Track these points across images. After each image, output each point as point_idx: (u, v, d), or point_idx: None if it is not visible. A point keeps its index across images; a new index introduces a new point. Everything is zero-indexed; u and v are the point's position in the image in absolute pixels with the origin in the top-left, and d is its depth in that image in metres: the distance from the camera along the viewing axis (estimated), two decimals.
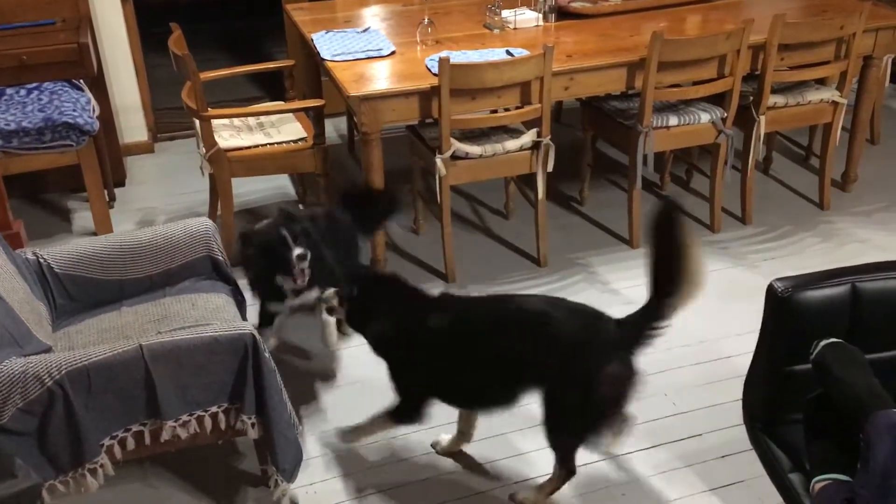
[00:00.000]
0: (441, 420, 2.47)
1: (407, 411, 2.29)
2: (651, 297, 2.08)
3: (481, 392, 2.22)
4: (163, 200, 4.02)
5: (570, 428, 2.18)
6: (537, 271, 3.41)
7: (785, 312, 1.89)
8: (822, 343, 1.82)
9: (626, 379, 2.09)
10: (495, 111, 3.38)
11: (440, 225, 3.30)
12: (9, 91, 3.58)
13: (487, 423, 2.40)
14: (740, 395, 2.17)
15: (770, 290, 1.93)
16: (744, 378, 2.15)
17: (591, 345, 2.08)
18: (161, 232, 2.61)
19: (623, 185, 3.98)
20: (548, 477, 2.32)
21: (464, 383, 2.21)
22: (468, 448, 2.55)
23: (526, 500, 2.34)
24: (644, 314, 2.10)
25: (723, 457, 2.53)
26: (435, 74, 3.01)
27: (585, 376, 2.07)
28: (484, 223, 3.79)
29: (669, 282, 2.02)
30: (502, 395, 2.19)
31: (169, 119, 4.71)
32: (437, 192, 3.21)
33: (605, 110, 3.59)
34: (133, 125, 4.41)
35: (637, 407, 2.67)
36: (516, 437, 2.57)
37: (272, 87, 4.99)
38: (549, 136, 3.22)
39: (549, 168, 3.28)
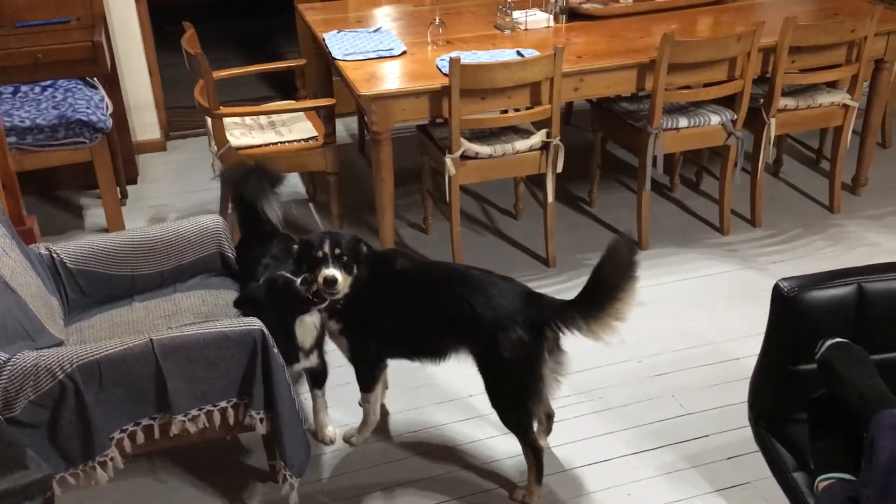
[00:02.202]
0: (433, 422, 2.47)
1: (369, 378, 2.49)
2: (571, 302, 2.21)
3: (422, 343, 2.41)
4: (174, 198, 4.04)
5: (497, 395, 2.31)
6: (546, 271, 3.42)
7: (790, 312, 1.90)
8: (828, 343, 1.83)
9: (524, 344, 2.20)
10: (505, 111, 3.39)
11: (449, 224, 3.32)
12: (23, 88, 3.62)
13: (496, 422, 2.42)
14: (746, 397, 2.16)
15: (776, 290, 1.94)
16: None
17: (493, 309, 2.24)
18: (172, 228, 2.63)
19: (632, 186, 3.99)
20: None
21: (408, 336, 2.40)
22: (475, 448, 2.58)
23: (525, 497, 2.38)
24: (556, 307, 2.24)
25: (729, 458, 2.53)
26: (445, 74, 3.03)
27: (488, 336, 2.23)
28: (493, 223, 3.80)
29: (592, 304, 2.15)
30: (436, 348, 2.38)
31: (181, 118, 4.75)
32: (446, 192, 3.23)
33: (615, 112, 3.59)
34: (146, 123, 4.45)
35: (644, 408, 2.72)
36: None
37: (283, 87, 5.02)
38: (559, 137, 3.23)
39: (559, 169, 3.29)
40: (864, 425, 1.64)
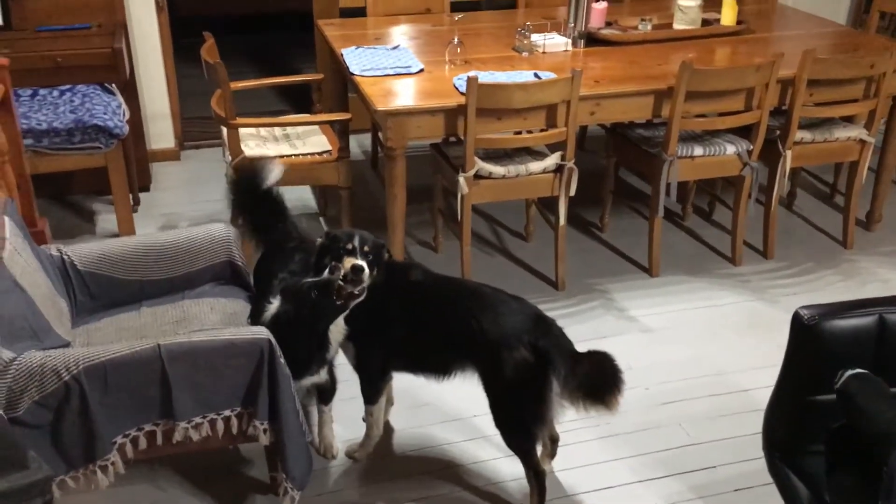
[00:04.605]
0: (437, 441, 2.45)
1: (373, 389, 2.49)
2: (579, 357, 2.23)
3: (428, 356, 2.41)
4: (186, 207, 4.05)
5: (500, 415, 2.30)
6: (555, 295, 3.41)
7: (810, 340, 1.88)
8: (847, 373, 1.81)
9: (528, 366, 2.20)
10: (520, 132, 3.40)
11: (459, 243, 3.31)
12: (42, 91, 3.64)
13: (499, 443, 2.39)
14: (756, 429, 2.15)
15: (796, 318, 1.92)
16: (761, 412, 2.13)
17: (500, 326, 2.24)
18: (184, 235, 2.63)
19: (644, 213, 3.98)
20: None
21: (415, 348, 2.40)
22: (478, 469, 2.55)
23: None
24: (565, 351, 2.23)
25: (737, 490, 2.50)
26: (462, 93, 3.03)
27: (492, 354, 2.23)
28: (503, 244, 3.80)
29: (594, 381, 2.17)
30: (442, 363, 2.37)
31: (196, 128, 4.76)
32: (458, 211, 3.22)
33: (629, 137, 3.59)
34: (161, 132, 4.46)
35: (651, 436, 2.69)
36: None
37: (299, 101, 5.04)
38: (573, 160, 3.24)
39: (572, 192, 3.29)
40: (883, 458, 1.60)
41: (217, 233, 2.66)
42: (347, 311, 2.27)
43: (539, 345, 2.22)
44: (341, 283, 2.21)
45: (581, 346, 2.29)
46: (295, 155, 3.44)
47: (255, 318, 2.41)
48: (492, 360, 2.25)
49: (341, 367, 2.53)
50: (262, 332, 2.15)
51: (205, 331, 2.23)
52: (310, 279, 2.26)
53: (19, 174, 2.94)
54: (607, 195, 3.84)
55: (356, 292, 2.23)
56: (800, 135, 3.53)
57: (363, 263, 2.26)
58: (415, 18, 4.08)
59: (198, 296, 2.57)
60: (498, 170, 3.19)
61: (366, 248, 2.31)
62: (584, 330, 3.13)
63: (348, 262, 2.26)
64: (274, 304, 2.31)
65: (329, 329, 2.30)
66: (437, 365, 2.40)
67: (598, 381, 2.16)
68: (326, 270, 2.24)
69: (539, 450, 2.38)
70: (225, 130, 3.38)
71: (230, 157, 3.34)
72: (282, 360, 2.16)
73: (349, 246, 2.30)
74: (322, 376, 2.43)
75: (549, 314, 2.34)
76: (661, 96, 3.26)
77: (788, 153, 3.51)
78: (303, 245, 2.64)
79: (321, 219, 3.95)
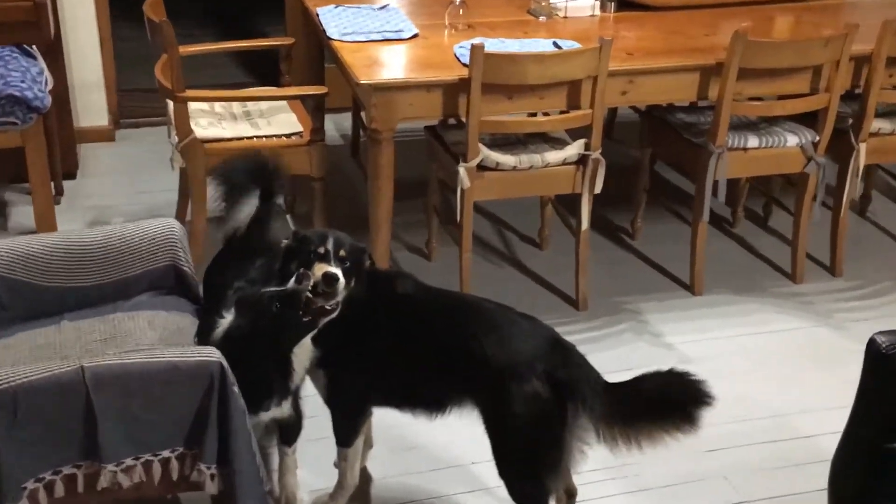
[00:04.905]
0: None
1: (349, 428, 2.48)
2: (610, 386, 2.26)
3: (417, 388, 2.42)
4: (121, 198, 4.04)
5: (506, 461, 2.31)
6: (574, 315, 3.41)
7: (888, 374, 1.87)
8: None
9: (541, 401, 2.21)
10: (535, 115, 3.40)
11: (458, 250, 3.31)
12: None
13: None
14: (821, 484, 2.14)
15: (871, 346, 1.92)
16: (827, 463, 2.12)
17: (507, 352, 2.26)
18: (117, 233, 2.61)
19: (686, 217, 3.98)
20: None
21: (401, 376, 2.41)
22: None
23: None
24: (590, 380, 2.25)
25: None
26: (465, 65, 3.03)
27: (497, 385, 2.24)
28: (511, 252, 3.79)
29: (631, 410, 2.22)
30: (435, 396, 2.39)
31: (135, 102, 4.76)
32: (457, 210, 3.22)
33: (669, 123, 3.60)
34: (92, 106, 4.46)
35: (690, 491, 2.67)
36: None
37: (264, 71, 5.03)
38: (600, 150, 3.23)
39: (597, 189, 3.29)
40: None
41: (158, 230, 2.63)
42: (316, 330, 2.25)
43: (556, 375, 2.21)
44: (310, 295, 2.20)
45: (605, 378, 2.28)
46: (257, 137, 3.43)
47: (203, 337, 2.39)
48: (497, 393, 2.24)
49: (309, 400, 2.52)
50: (211, 354, 2.13)
51: (140, 351, 2.21)
52: (271, 289, 2.24)
53: None
54: (640, 194, 3.84)
55: (328, 307, 2.22)
56: (876, 124, 3.54)
57: (338, 272, 2.25)
58: None
59: (133, 308, 2.55)
60: (507, 160, 3.18)
61: (342, 253, 2.30)
62: (610, 359, 3.10)
63: (319, 269, 2.25)
64: (227, 320, 2.30)
65: (293, 351, 2.29)
66: (429, 399, 2.40)
67: (666, 397, 2.19)
68: (292, 279, 2.22)
69: None
70: (171, 105, 3.37)
71: (176, 139, 3.33)
72: (235, 390, 2.15)
73: (321, 250, 2.29)
74: (284, 410, 2.40)
75: (568, 338, 2.33)
76: (708, 74, 3.26)
77: (862, 147, 3.51)
78: (265, 247, 2.63)
79: (288, 216, 3.93)
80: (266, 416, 2.37)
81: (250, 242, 2.65)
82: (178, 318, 2.53)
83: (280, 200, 2.82)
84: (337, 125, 4.71)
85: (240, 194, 2.71)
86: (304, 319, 2.20)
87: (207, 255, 2.83)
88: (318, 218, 3.56)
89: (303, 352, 2.31)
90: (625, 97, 3.27)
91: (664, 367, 2.27)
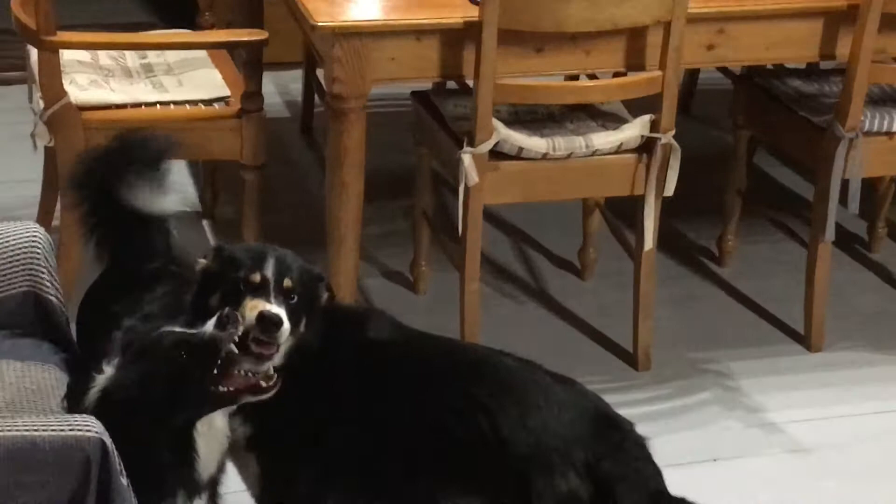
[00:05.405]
0: None
1: None
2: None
3: (397, 483, 2.43)
4: None
5: None
6: (632, 378, 3.43)
7: None
8: None
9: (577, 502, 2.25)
10: (576, 78, 3.43)
11: (459, 277, 3.31)
12: None
13: None
14: None
15: None
16: None
17: (534, 433, 2.29)
18: None
19: (799, 234, 4.01)
20: None
21: (373, 467, 2.44)
22: None
23: None
24: (644, 482, 2.29)
25: None
26: (474, 2, 3.05)
27: (518, 482, 2.27)
28: (539, 282, 3.82)
29: None
30: (422, 496, 2.42)
31: None
32: (457, 218, 3.23)
33: (776, 95, 3.62)
34: None
35: None
36: None
37: (175, 9, 5.07)
38: (673, 133, 3.25)
39: (668, 191, 3.31)
40: None
41: (12, 241, 2.65)
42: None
43: (602, 469, 2.23)
44: (234, 348, 2.20)
45: (677, 474, 2.32)
46: (162, 103, 3.45)
47: (75, 400, 2.38)
48: (517, 492, 2.26)
49: (234, 498, 2.53)
50: (89, 426, 2.13)
51: None
52: (176, 328, 2.26)
53: None
54: (733, 199, 3.85)
55: (263, 374, 2.24)
56: None
57: (280, 311, 2.27)
58: None
59: None
60: (535, 144, 3.20)
61: (286, 284, 2.32)
62: (683, 446, 3.13)
63: (253, 307, 2.27)
64: (109, 373, 2.31)
65: (195, 428, 2.29)
66: (415, 500, 2.42)
67: None
68: (211, 321, 2.23)
69: None
70: (34, 55, 3.39)
71: (41, 104, 3.34)
72: (123, 482, 2.15)
73: (256, 277, 2.31)
74: None
75: (622, 412, 2.36)
76: (835, 21, 3.28)
77: None
78: (171, 267, 2.66)
79: (204, 223, 3.96)
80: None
81: (146, 261, 2.67)
82: (37, 370, 2.54)
83: (188, 199, 2.84)
84: (280, 88, 4.74)
85: (117, 194, 2.70)
86: (221, 390, 2.21)
87: (84, 279, 2.84)
88: (251, 226, 3.58)
89: (214, 429, 2.33)
90: (711, 54, 3.29)
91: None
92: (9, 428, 2.12)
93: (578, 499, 2.23)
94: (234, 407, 2.27)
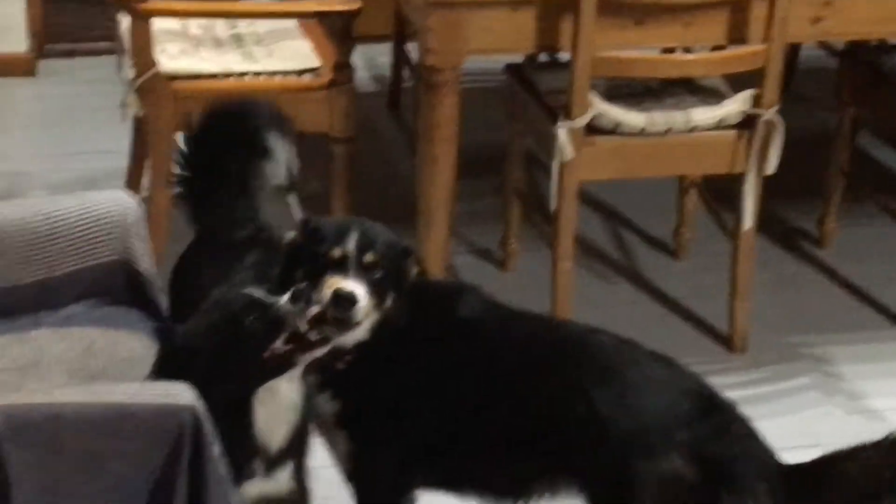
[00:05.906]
0: None
1: None
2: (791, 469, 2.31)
3: (488, 464, 2.44)
4: (43, 162, 4.11)
5: None
6: (727, 361, 3.42)
7: None
8: None
9: (684, 487, 2.24)
10: (673, 51, 3.42)
11: (551, 255, 3.31)
12: None
13: None
14: None
15: None
16: None
17: (633, 414, 2.28)
18: (41, 211, 2.64)
19: None
20: None
21: (465, 446, 2.44)
22: None
23: None
24: (760, 457, 2.28)
25: None
26: None
27: (618, 464, 2.26)
28: (632, 261, 3.82)
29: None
30: (515, 478, 2.41)
31: (69, 19, 4.81)
32: (550, 195, 3.23)
33: (884, 72, 3.59)
34: (3, 25, 4.51)
35: None
36: None
37: None
38: (776, 109, 3.22)
39: (770, 169, 3.29)
40: None
41: (101, 211, 2.66)
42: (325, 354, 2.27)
43: (706, 450, 2.22)
44: (304, 325, 2.22)
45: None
46: (252, 74, 3.46)
47: (166, 368, 2.40)
48: (616, 474, 2.25)
49: (321, 472, 2.53)
50: (181, 394, 2.14)
51: (75, 386, 2.23)
52: (254, 293, 2.27)
53: None
54: (836, 179, 3.84)
55: (334, 350, 2.26)
56: None
57: (358, 289, 2.27)
58: None
59: (63, 322, 2.57)
60: (633, 119, 3.20)
61: (369, 258, 2.32)
62: (781, 430, 3.02)
63: (331, 283, 2.27)
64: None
65: (254, 395, 2.30)
66: (506, 480, 2.41)
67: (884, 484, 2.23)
68: (286, 294, 2.24)
69: None
70: (125, 23, 3.40)
71: (132, 74, 3.36)
72: (216, 451, 2.16)
73: (337, 253, 2.30)
74: (279, 482, 2.43)
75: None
76: None
77: None
78: (261, 237, 2.68)
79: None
80: (251, 492, 2.39)
81: (238, 230, 2.69)
82: (128, 339, 2.54)
83: (284, 169, 2.84)
84: (369, 62, 4.74)
85: (222, 161, 2.75)
86: (276, 347, 2.22)
87: (175, 248, 2.85)
88: (340, 200, 3.59)
89: (278, 400, 2.33)
90: (818, 27, 3.25)
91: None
92: (103, 394, 2.13)
93: (682, 480, 2.21)
94: (296, 373, 2.27)
